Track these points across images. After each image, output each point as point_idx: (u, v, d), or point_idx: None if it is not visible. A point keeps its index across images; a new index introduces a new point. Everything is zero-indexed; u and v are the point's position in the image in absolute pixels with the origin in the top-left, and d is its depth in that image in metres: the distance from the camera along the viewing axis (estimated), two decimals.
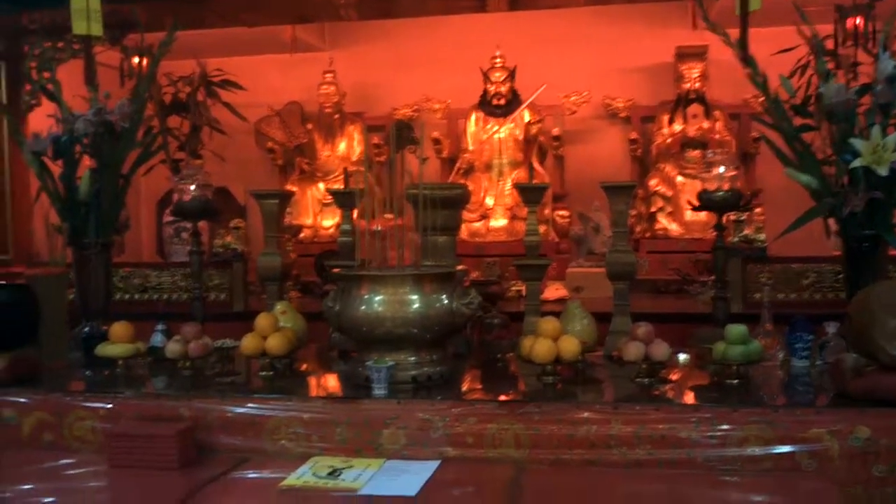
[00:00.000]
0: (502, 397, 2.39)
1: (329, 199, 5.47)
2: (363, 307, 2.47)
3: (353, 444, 2.26)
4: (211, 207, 3.34)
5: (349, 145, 6.02)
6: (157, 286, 4.49)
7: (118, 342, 2.84)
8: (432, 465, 2.14)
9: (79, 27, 2.95)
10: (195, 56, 5.65)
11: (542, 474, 2.12)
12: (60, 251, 3.30)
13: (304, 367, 2.86)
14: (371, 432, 2.26)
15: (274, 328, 2.75)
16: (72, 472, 2.28)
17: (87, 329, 3.16)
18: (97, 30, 2.98)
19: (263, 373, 2.68)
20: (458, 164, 5.53)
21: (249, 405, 2.38)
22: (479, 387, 2.68)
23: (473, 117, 5.62)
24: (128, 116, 3.25)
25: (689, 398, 2.38)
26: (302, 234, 5.70)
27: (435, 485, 2.02)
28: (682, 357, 2.84)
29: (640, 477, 2.09)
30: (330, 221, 5.75)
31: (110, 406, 2.45)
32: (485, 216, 5.37)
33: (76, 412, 2.46)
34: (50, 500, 2.15)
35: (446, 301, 2.48)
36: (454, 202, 3.00)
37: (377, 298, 2.46)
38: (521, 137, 5.54)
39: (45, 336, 2.91)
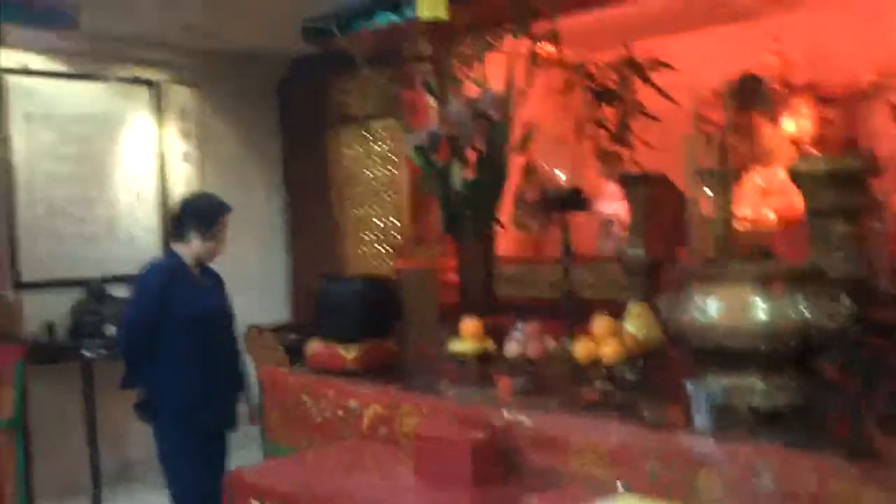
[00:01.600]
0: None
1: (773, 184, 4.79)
2: (694, 313, 2.00)
3: (663, 481, 1.84)
4: (576, 197, 3.07)
5: (797, 122, 5.22)
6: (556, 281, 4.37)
7: (466, 339, 2.75)
8: None
9: (422, 10, 2.91)
10: (626, 40, 5.41)
11: None
12: (434, 244, 3.34)
13: (645, 381, 2.44)
14: (684, 471, 1.81)
15: (612, 332, 2.40)
16: (394, 468, 2.22)
17: None
18: (443, 13, 2.91)
19: (597, 383, 2.35)
20: None
21: (557, 420, 2.09)
22: (834, 428, 1.97)
23: None
24: (496, 105, 3.15)
25: None
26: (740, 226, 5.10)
27: None
28: None
29: None
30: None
31: (430, 405, 2.35)
32: None
33: (404, 407, 2.42)
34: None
35: (803, 309, 1.89)
36: (852, 177, 2.32)
37: (711, 303, 1.97)
38: None
39: (414, 328, 2.95)
